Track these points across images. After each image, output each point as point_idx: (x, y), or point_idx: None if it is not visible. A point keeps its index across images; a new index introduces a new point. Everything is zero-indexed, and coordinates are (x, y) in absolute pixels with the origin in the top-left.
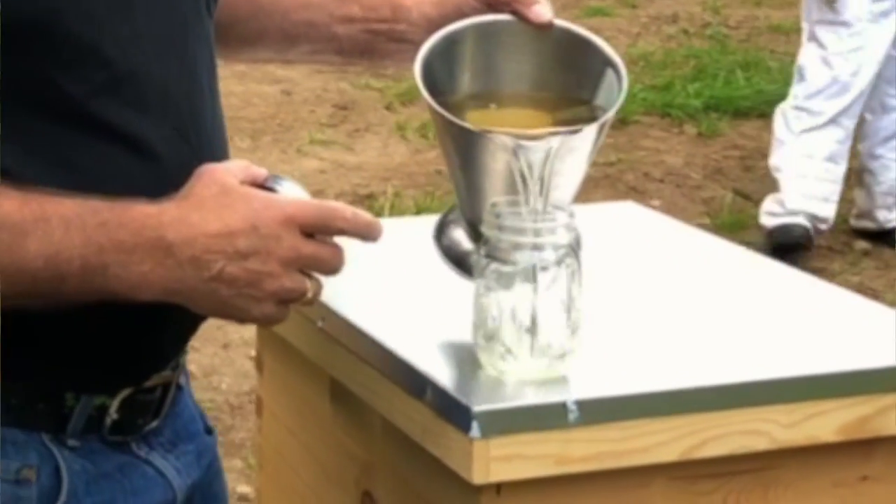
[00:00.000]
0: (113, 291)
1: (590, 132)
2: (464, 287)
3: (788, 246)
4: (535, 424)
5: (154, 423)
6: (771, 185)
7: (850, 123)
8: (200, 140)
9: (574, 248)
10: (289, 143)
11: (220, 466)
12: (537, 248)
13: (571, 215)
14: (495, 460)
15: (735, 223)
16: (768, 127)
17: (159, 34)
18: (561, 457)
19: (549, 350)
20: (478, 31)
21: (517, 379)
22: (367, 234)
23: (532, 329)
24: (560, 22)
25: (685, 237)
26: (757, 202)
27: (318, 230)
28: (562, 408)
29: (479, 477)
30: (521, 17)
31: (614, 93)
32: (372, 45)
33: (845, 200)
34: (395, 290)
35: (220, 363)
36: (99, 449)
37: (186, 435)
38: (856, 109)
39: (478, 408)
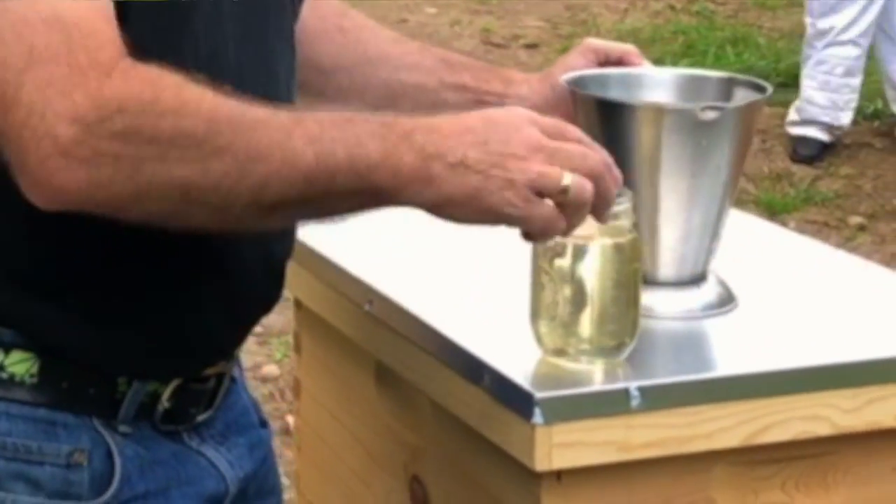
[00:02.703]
0: (377, 186)
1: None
2: (513, 269)
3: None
4: (598, 411)
5: (207, 414)
6: (763, 160)
7: (864, 41)
8: None
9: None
10: None
11: (275, 460)
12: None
13: (631, 200)
14: (557, 447)
15: None
16: None
17: (241, 20)
18: (623, 443)
19: (608, 332)
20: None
21: (576, 361)
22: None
23: (591, 309)
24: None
25: (734, 221)
26: (751, 177)
27: (556, 135)
28: (624, 394)
29: (541, 464)
30: None
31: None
32: None
33: (839, 176)
34: (443, 272)
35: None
36: (151, 436)
37: (238, 427)
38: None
39: (540, 394)
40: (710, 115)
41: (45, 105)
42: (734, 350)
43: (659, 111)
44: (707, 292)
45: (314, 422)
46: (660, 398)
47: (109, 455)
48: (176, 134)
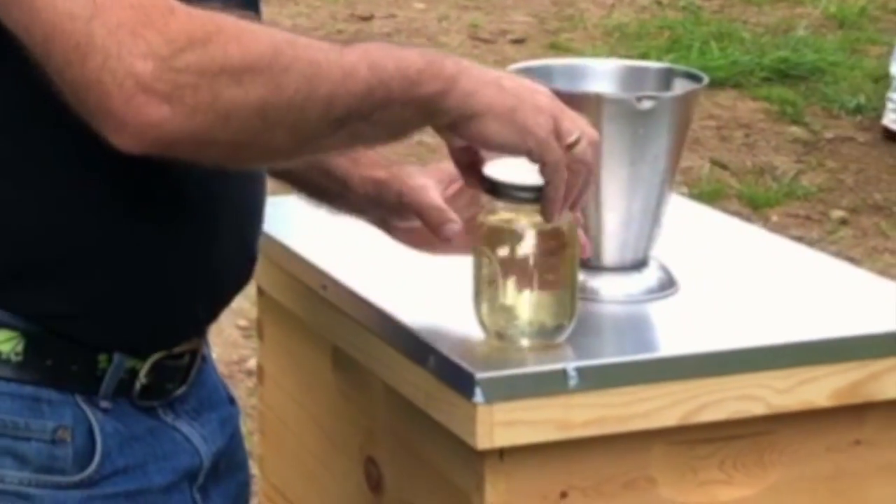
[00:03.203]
0: (426, 93)
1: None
2: (463, 255)
3: None
4: (537, 390)
5: (181, 390)
6: (746, 154)
7: None
8: None
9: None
10: None
11: (241, 436)
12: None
13: None
14: (499, 425)
15: (713, 193)
16: (743, 97)
17: None
18: (562, 422)
19: (547, 315)
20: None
21: (516, 343)
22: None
23: (530, 292)
24: None
25: (675, 207)
26: (734, 172)
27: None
28: (562, 374)
29: (483, 442)
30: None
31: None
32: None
33: (821, 170)
34: (396, 258)
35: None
36: (129, 412)
37: (210, 403)
38: None
39: (481, 374)
40: (647, 104)
41: (120, 46)
42: (672, 332)
43: (597, 100)
44: (648, 277)
45: (277, 406)
46: (597, 378)
47: (91, 432)
48: (245, 58)
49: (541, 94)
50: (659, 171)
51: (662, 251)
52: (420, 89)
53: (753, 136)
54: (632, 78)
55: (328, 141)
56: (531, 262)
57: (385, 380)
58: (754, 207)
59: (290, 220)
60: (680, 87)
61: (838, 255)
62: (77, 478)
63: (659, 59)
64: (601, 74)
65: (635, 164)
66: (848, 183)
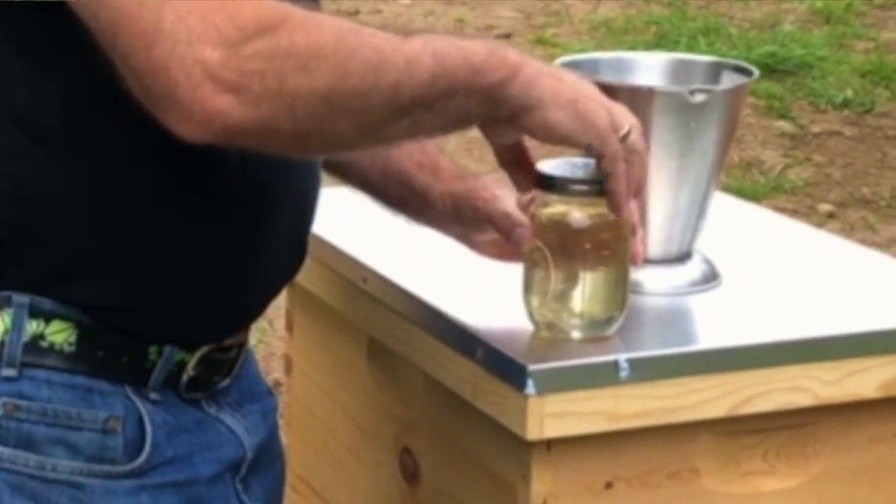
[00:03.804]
0: (490, 81)
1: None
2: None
3: None
4: (588, 382)
5: (225, 382)
6: (734, 148)
7: None
8: None
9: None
10: None
11: (278, 426)
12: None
13: None
14: (549, 417)
15: None
16: None
17: None
18: (612, 413)
19: (598, 307)
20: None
21: (566, 335)
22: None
23: (582, 285)
24: None
25: (719, 202)
26: None
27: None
28: (614, 365)
29: (533, 433)
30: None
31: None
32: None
33: (809, 164)
34: (435, 249)
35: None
36: (176, 404)
37: (252, 395)
38: None
39: (533, 366)
40: (699, 97)
41: (189, 32)
42: (718, 324)
43: (649, 93)
44: (692, 269)
45: (305, 398)
46: (647, 370)
47: (140, 422)
48: (311, 45)
49: (594, 87)
50: (707, 165)
51: (704, 244)
52: (484, 77)
53: (741, 130)
54: (680, 71)
55: (390, 130)
56: (584, 254)
57: (427, 371)
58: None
59: (326, 212)
60: (728, 80)
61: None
62: (128, 467)
63: None
64: (649, 68)
65: (684, 158)
66: (835, 177)
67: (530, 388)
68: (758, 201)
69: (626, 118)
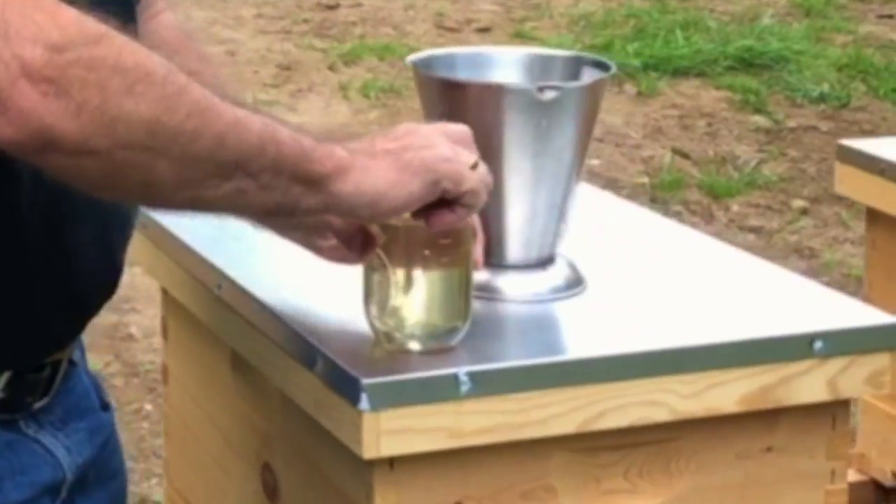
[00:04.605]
0: (318, 171)
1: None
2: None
3: None
4: (427, 397)
5: (43, 402)
6: (709, 143)
7: None
8: None
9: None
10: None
11: (118, 442)
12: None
13: None
14: (386, 434)
15: (674, 182)
16: (706, 86)
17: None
18: (454, 430)
19: (439, 316)
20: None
21: (406, 346)
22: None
23: (421, 293)
24: None
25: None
26: (695, 161)
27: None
28: (453, 379)
29: (369, 451)
30: None
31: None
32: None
33: (783, 159)
34: (290, 258)
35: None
36: None
37: (78, 412)
38: None
39: (367, 380)
40: (549, 94)
41: (7, 25)
42: (576, 334)
43: (497, 90)
44: (555, 275)
45: (180, 408)
46: (490, 384)
47: None
48: (139, 67)
49: (428, 133)
50: (564, 165)
51: (571, 245)
52: (312, 164)
53: (716, 125)
54: (538, 67)
55: (211, 193)
56: (423, 260)
57: (278, 385)
58: (714, 197)
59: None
60: (587, 76)
61: (798, 245)
62: None
63: (623, 48)
64: (506, 63)
65: (538, 157)
66: (810, 172)
67: (364, 403)
68: (731, 197)
69: (469, 150)
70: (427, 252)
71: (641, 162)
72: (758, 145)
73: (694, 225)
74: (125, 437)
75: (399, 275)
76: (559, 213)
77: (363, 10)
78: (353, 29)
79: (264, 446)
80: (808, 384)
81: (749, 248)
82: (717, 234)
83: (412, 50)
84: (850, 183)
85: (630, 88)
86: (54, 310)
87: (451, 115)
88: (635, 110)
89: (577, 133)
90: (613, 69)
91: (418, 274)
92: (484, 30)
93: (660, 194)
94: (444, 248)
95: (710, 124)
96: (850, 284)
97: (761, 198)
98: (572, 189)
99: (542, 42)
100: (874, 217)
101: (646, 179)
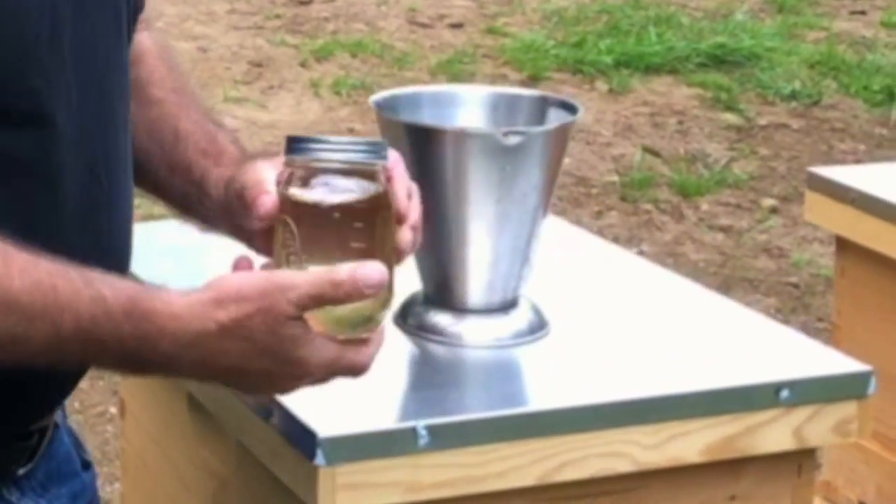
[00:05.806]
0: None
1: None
2: None
3: None
4: (384, 451)
5: (27, 468)
6: (679, 141)
7: None
8: (110, 178)
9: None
10: (204, 101)
11: (100, 501)
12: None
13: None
14: (342, 488)
15: (644, 180)
16: (678, 83)
17: (83, 66)
18: (412, 484)
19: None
20: None
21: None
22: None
23: None
24: None
25: (552, 230)
26: (666, 159)
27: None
28: (412, 432)
29: None
30: None
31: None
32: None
33: (754, 158)
34: None
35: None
36: None
37: (60, 476)
38: None
39: (323, 434)
40: (514, 139)
41: None
42: (537, 383)
43: (461, 135)
44: (518, 319)
45: (137, 444)
46: (448, 437)
47: None
48: None
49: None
50: (529, 209)
51: (535, 285)
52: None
53: (687, 122)
54: (503, 107)
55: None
56: (337, 240)
57: (233, 433)
58: (684, 195)
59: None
60: (553, 118)
61: (767, 244)
62: None
63: (596, 44)
64: (470, 102)
65: (502, 202)
66: (780, 170)
67: (320, 458)
68: (701, 195)
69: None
70: (341, 231)
71: (612, 160)
72: (728, 143)
73: (663, 223)
74: (89, 440)
75: (309, 258)
76: (523, 256)
77: (336, 5)
78: (325, 25)
79: (221, 490)
80: (774, 433)
81: (718, 247)
82: (687, 233)
83: (385, 46)
84: (820, 211)
85: (601, 85)
86: (44, 379)
87: (417, 158)
88: (606, 108)
89: (541, 177)
90: (580, 112)
91: (332, 256)
92: (456, 25)
93: (630, 193)
94: (358, 230)
95: (681, 122)
96: (819, 284)
97: (731, 196)
98: (537, 232)
99: (515, 38)
100: (843, 246)
101: (616, 178)
